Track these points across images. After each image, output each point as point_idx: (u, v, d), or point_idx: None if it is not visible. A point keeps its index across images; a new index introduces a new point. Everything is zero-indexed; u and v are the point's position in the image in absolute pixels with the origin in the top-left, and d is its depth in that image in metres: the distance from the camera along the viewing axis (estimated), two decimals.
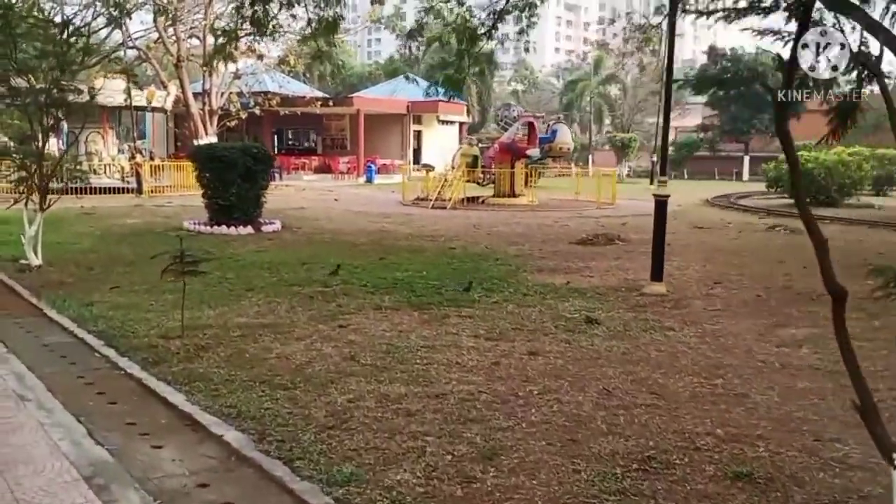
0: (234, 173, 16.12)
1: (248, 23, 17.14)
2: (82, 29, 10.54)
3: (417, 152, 47.11)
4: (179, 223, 17.72)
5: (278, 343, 7.12)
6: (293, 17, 17.23)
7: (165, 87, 31.93)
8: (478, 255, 13.57)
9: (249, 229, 16.15)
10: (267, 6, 16.18)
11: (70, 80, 12.02)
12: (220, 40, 17.78)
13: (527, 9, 17.33)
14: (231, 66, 36.59)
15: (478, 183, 28.12)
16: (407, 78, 47.44)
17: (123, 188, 27.51)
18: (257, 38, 17.72)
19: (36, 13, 11.30)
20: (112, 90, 25.41)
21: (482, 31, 16.88)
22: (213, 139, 35.08)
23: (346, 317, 8.34)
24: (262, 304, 8.97)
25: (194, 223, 16.73)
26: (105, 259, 12.43)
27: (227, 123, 36.17)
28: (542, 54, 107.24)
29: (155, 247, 14.14)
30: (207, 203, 16.73)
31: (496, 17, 16.83)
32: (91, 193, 25.09)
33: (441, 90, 18.69)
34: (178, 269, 7.29)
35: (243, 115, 36.27)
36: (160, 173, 29.82)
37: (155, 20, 33.19)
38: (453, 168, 28.49)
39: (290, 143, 48.17)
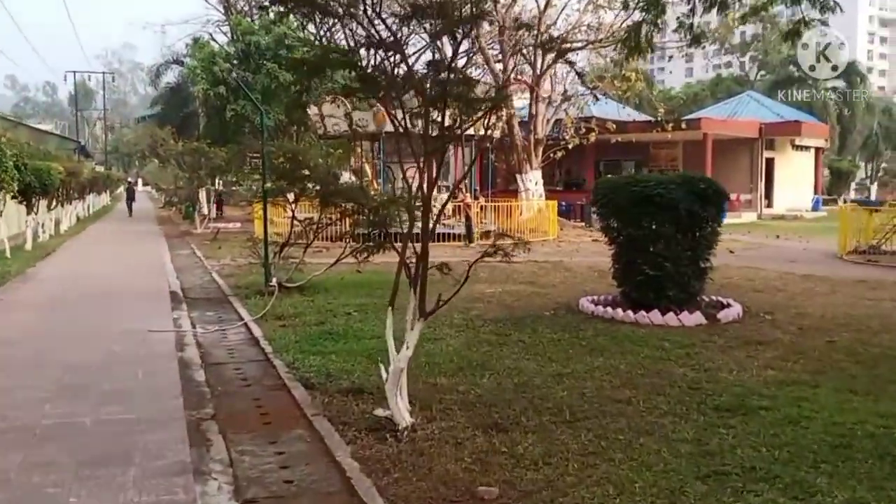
0: (671, 223, 9.78)
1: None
2: None
3: (768, 185, 38.32)
4: (563, 296, 11.77)
5: None
6: None
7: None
8: None
9: (697, 317, 9.61)
10: None
11: None
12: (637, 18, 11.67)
13: None
14: (559, 88, 31.29)
15: None
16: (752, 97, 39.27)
17: (446, 234, 22.49)
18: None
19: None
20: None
21: None
22: (538, 174, 29.76)
23: None
24: None
25: (595, 302, 10.54)
26: (512, 392, 6.52)
27: (552, 155, 30.61)
28: None
29: (577, 356, 7.90)
30: (619, 270, 10.47)
31: None
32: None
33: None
34: None
35: (572, 145, 30.52)
36: (484, 215, 24.77)
37: (477, 36, 28.61)
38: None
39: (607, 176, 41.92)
